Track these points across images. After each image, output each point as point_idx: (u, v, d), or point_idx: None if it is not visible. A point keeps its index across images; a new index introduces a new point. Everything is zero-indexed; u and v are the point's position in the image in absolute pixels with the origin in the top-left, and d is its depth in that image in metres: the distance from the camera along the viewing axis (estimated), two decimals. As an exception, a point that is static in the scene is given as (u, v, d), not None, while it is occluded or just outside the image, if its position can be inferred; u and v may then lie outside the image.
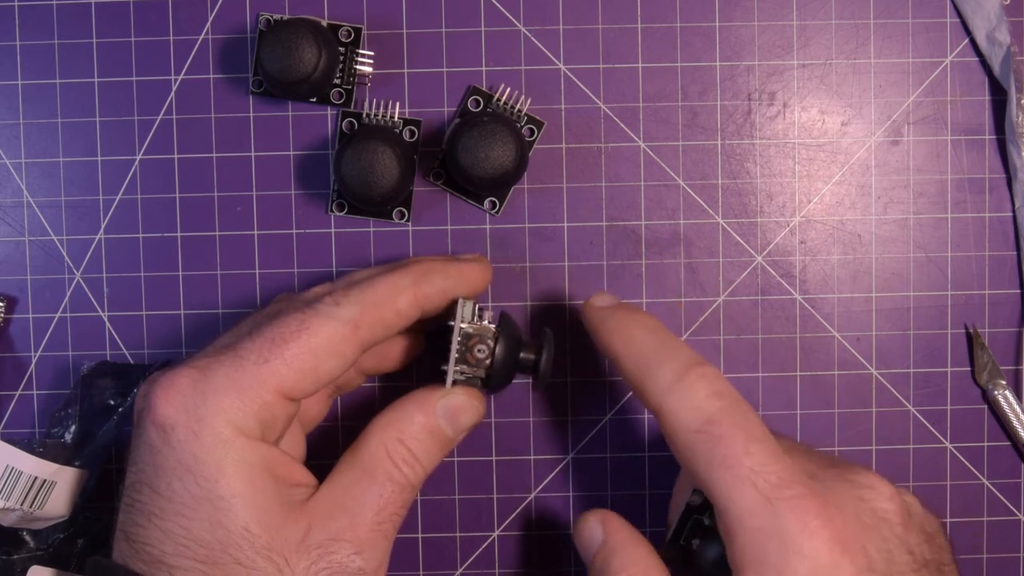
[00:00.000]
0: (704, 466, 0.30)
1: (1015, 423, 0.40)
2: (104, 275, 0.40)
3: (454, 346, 0.34)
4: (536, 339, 0.36)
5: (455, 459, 0.41)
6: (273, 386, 0.31)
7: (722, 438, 0.30)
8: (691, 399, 0.31)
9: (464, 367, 0.34)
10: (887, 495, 0.31)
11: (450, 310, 0.36)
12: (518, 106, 0.40)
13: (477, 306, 0.35)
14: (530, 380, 0.36)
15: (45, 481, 0.37)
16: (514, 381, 0.38)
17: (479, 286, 0.36)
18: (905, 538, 0.30)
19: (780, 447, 0.30)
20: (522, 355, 0.35)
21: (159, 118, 0.40)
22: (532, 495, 0.41)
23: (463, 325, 0.34)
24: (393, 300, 0.33)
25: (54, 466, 0.37)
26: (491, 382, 0.34)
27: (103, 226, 0.40)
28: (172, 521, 0.30)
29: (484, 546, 0.41)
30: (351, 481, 0.32)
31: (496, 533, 0.41)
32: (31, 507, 0.37)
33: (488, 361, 0.34)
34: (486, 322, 0.34)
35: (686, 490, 0.34)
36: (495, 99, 0.40)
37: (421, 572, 0.41)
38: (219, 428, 0.30)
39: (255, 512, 0.30)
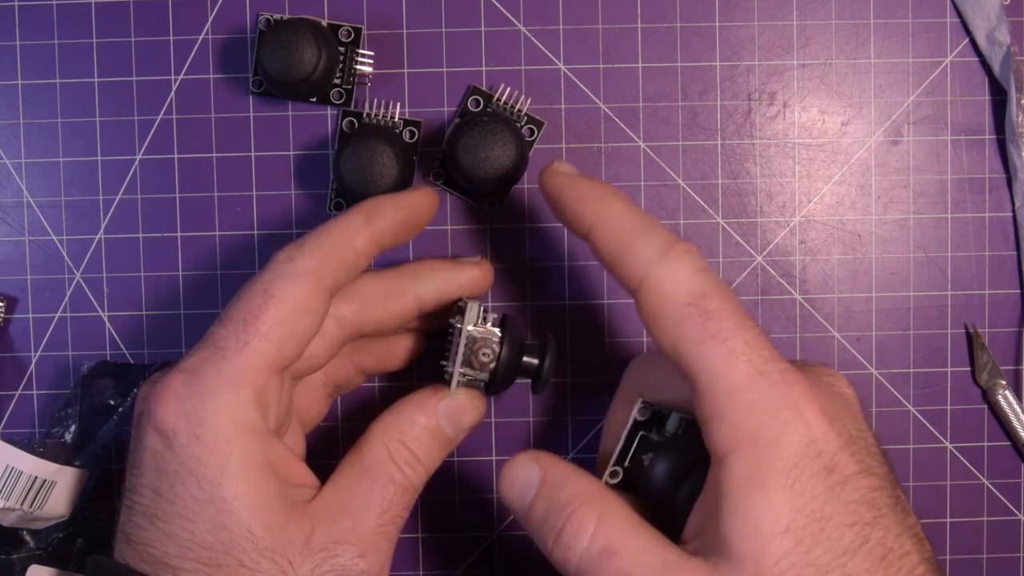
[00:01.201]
0: (694, 340, 0.28)
1: (1015, 423, 0.40)
2: (104, 275, 0.40)
3: (460, 350, 0.34)
4: (538, 343, 0.36)
5: (455, 459, 0.41)
6: (260, 366, 0.31)
7: (716, 312, 0.29)
8: (680, 271, 0.29)
9: (467, 370, 0.34)
10: (846, 383, 0.31)
11: (450, 308, 0.36)
12: (518, 106, 0.40)
13: (482, 307, 0.35)
14: (529, 383, 0.36)
15: (45, 481, 0.37)
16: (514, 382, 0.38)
17: (427, 215, 0.36)
18: (868, 422, 0.31)
19: None
20: (525, 359, 0.35)
21: (159, 118, 0.40)
22: (532, 495, 0.41)
23: (469, 328, 0.34)
24: (349, 242, 0.33)
25: (54, 466, 0.37)
26: (493, 386, 0.34)
27: (103, 226, 0.40)
28: (175, 524, 0.30)
29: (484, 546, 0.41)
30: (353, 483, 0.32)
31: (496, 533, 0.41)
32: (31, 507, 0.37)
33: (492, 365, 0.34)
34: (490, 325, 0.34)
35: (623, 413, 0.33)
36: (495, 99, 0.40)
37: (421, 572, 0.41)
38: (220, 428, 0.30)
39: (258, 514, 0.30)
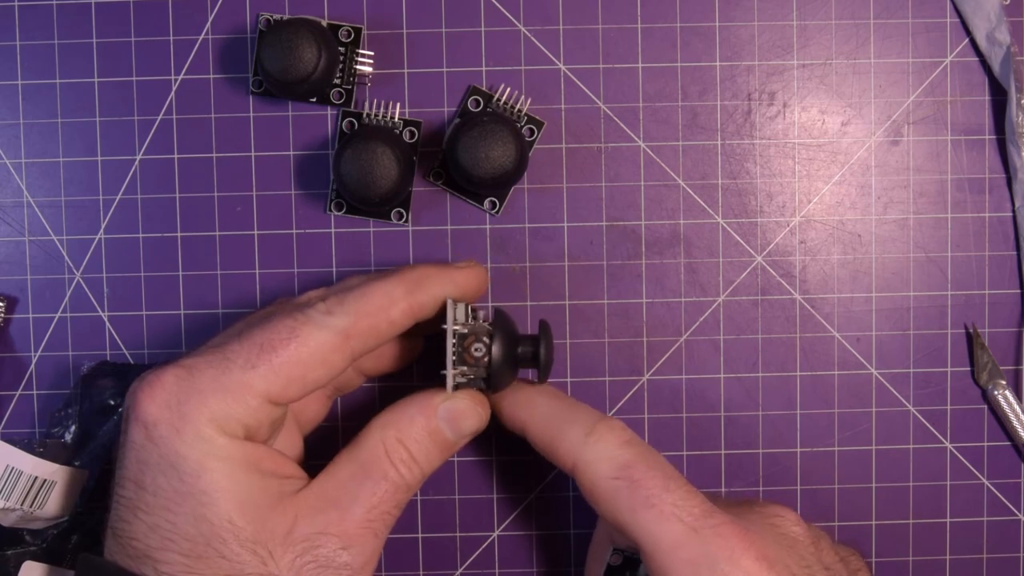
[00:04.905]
0: (627, 510, 0.31)
1: (1015, 423, 0.40)
2: (104, 275, 0.40)
3: (449, 348, 0.33)
4: (532, 332, 0.35)
5: (455, 459, 0.41)
6: (259, 391, 0.31)
7: (641, 480, 0.31)
8: (604, 450, 0.32)
9: (464, 368, 0.34)
10: (794, 520, 0.33)
11: (445, 312, 0.35)
12: (518, 106, 0.40)
13: (469, 307, 0.34)
14: (533, 373, 0.36)
15: (45, 481, 0.37)
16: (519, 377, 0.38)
17: (474, 292, 0.36)
18: (819, 556, 0.33)
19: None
20: (520, 349, 0.35)
21: (159, 118, 0.40)
22: (532, 495, 0.41)
23: (456, 327, 0.34)
24: (386, 310, 0.33)
25: (54, 466, 0.37)
26: (492, 381, 0.34)
27: (103, 226, 0.40)
28: (158, 516, 0.30)
29: (484, 546, 0.41)
30: (346, 476, 0.32)
31: (496, 533, 0.41)
32: (31, 507, 0.37)
33: (486, 359, 0.34)
34: (480, 321, 0.34)
35: (603, 555, 0.35)
36: (495, 99, 0.40)
37: (421, 572, 0.41)
38: (201, 426, 0.30)
39: (239, 505, 0.30)
